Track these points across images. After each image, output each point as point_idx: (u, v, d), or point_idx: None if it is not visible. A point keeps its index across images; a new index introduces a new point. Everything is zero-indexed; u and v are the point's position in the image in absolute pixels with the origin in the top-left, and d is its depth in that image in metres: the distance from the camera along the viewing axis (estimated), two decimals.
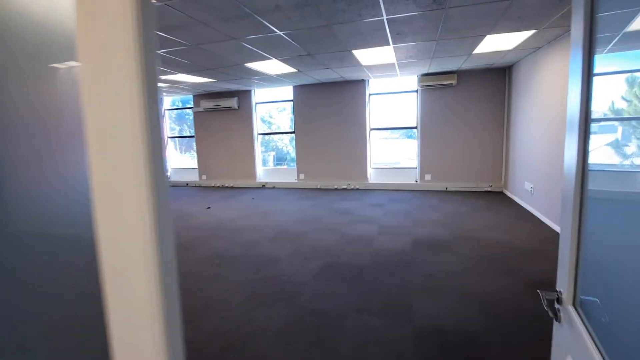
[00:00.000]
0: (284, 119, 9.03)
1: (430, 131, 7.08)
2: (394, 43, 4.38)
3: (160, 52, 4.26)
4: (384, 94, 7.58)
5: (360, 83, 7.31)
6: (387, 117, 7.94)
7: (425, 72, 6.62)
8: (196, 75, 5.86)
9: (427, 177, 7.24)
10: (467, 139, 6.87)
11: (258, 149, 8.44)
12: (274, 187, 8.21)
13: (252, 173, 8.40)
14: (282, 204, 6.45)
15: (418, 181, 7.35)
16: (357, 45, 4.39)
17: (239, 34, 3.71)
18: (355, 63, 5.49)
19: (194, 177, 9.03)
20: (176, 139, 9.70)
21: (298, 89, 7.75)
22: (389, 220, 5.09)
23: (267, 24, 3.41)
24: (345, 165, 7.68)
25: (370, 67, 5.92)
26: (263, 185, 8.34)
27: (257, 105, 8.37)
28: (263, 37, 3.87)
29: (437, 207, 5.82)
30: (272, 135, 8.92)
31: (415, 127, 7.34)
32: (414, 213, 5.46)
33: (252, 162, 8.37)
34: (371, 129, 7.64)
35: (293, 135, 8.03)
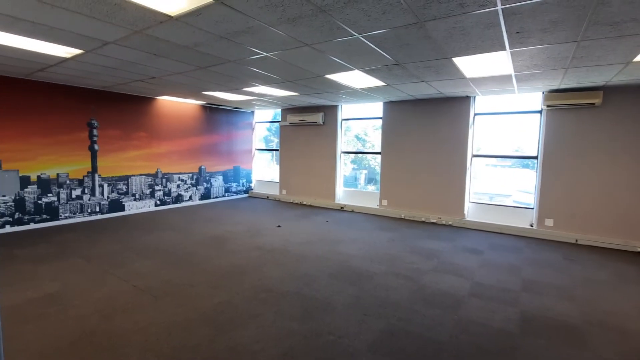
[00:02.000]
0: (379, 137, 8.40)
1: (557, 163, 5.48)
2: (511, 46, 3.32)
3: (233, 60, 4.07)
4: (494, 114, 6.26)
5: (464, 101, 6.16)
6: (496, 142, 6.55)
7: (556, 87, 5.16)
8: (275, 87, 5.65)
9: (549, 222, 5.59)
10: (613, 177, 5.07)
11: (340, 168, 7.91)
12: (352, 211, 7.52)
13: (332, 193, 7.89)
14: (356, 232, 5.72)
15: (534, 226, 5.74)
16: (458, 50, 3.47)
17: (309, 38, 3.22)
18: (457, 75, 4.51)
19: (275, 191, 8.99)
20: (265, 151, 9.88)
21: (388, 106, 7.00)
22: (486, 276, 3.88)
23: (340, 23, 2.82)
24: (437, 195, 6.54)
25: (476, 81, 4.84)
26: (341, 208, 7.73)
27: (344, 121, 7.88)
28: (339, 43, 3.31)
29: (560, 267, 4.30)
30: (365, 154, 8.38)
31: (536, 157, 5.80)
32: (524, 271, 4.10)
33: (332, 182, 7.87)
34: (473, 156, 6.36)
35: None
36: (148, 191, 6.96)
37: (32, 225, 5.34)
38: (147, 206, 6.96)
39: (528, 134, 6.04)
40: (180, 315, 2.83)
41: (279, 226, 5.99)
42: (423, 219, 6.68)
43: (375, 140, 8.55)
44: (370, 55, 3.72)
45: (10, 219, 5.13)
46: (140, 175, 6.80)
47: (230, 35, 3.17)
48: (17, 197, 5.18)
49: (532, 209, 5.86)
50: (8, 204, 5.10)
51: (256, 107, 8.63)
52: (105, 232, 5.28)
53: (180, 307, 2.96)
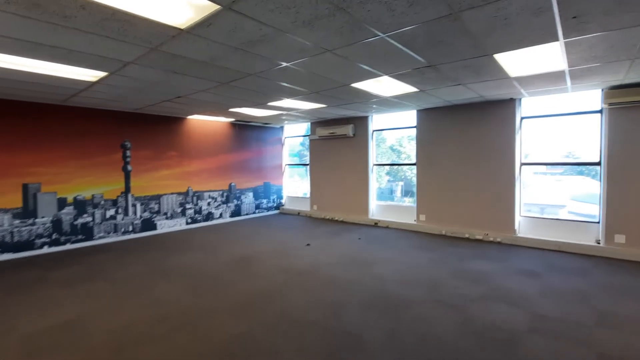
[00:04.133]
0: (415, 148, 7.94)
1: (627, 169, 4.71)
2: (566, 35, 2.84)
3: (253, 73, 3.91)
4: (544, 117, 5.59)
5: (508, 104, 5.57)
6: (546, 147, 5.85)
7: (618, 83, 4.47)
8: (301, 100, 5.44)
9: (619, 238, 4.78)
10: None
11: (373, 182, 7.50)
12: (387, 227, 7.04)
13: (364, 208, 7.47)
14: (391, 251, 5.25)
15: (601, 243, 4.94)
16: (501, 44, 3.03)
17: (329, 43, 2.95)
18: (500, 74, 4.02)
19: (306, 207, 8.72)
20: (296, 166, 9.71)
21: (422, 114, 6.54)
22: (548, 306, 3.28)
23: (361, 23, 2.53)
24: (482, 209, 5.91)
25: (523, 80, 4.30)
26: (375, 224, 7.27)
27: (375, 132, 7.50)
28: (362, 46, 3.00)
29: None
30: (399, 165, 7.93)
31: (598, 163, 5.05)
32: (596, 299, 3.43)
33: (364, 196, 7.46)
34: (522, 164, 5.69)
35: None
36: (179, 209, 6.98)
37: (68, 246, 5.48)
38: (179, 224, 6.97)
39: (584, 137, 5.31)
40: (194, 349, 2.58)
41: (308, 245, 5.68)
42: (467, 236, 6.05)
43: (411, 151, 8.06)
44: (398, 58, 3.38)
45: (48, 240, 5.29)
46: (172, 194, 6.85)
47: (245, 46, 2.99)
48: (55, 219, 5.35)
49: (598, 222, 5.06)
50: (46, 226, 5.27)
51: (285, 122, 8.53)
52: (135, 252, 5.27)
53: (196, 340, 2.72)
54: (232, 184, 8.01)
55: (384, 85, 4.54)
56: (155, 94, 4.84)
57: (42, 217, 5.22)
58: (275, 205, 9.13)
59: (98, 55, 3.16)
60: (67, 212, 5.47)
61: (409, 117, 6.87)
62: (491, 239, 5.80)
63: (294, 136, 9.31)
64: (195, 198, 7.25)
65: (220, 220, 7.77)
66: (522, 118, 5.65)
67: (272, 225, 7.49)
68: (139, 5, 2.25)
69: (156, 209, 6.59)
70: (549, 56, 3.37)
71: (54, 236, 5.33)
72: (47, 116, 5.24)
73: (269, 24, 2.55)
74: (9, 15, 2.34)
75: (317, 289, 3.75)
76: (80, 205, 5.61)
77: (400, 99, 5.49)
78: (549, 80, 4.29)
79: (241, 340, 2.70)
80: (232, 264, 4.68)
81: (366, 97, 5.31)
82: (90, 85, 4.22)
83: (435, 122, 6.38)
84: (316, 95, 5.06)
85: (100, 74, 3.77)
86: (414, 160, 6.81)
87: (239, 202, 8.16)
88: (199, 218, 7.33)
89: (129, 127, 6.16)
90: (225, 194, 7.86)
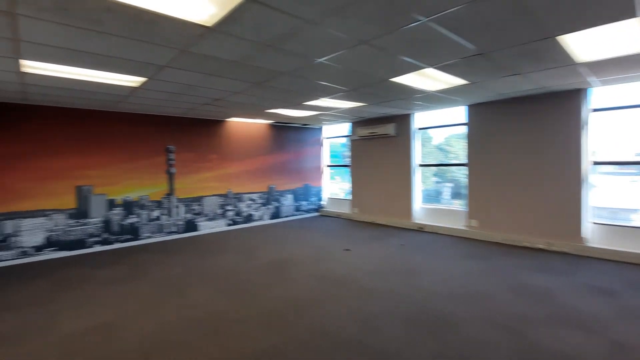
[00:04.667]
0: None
1: None
2: None
3: (286, 72, 3.74)
4: (618, 109, 4.79)
5: (573, 95, 4.87)
6: (621, 143, 5.02)
7: None
8: (338, 98, 5.20)
9: None
10: None
11: (416, 183, 7.04)
12: (434, 233, 6.55)
13: (408, 212, 7.03)
14: (437, 259, 4.82)
15: None
16: (567, 23, 2.56)
17: (364, 33, 2.68)
18: (565, 60, 3.46)
19: (346, 209, 8.45)
20: (336, 167, 9.48)
21: (473, 110, 5.98)
22: (630, 332, 2.71)
23: (398, 6, 2.23)
24: (544, 214, 5.24)
25: (593, 66, 3.68)
26: (420, 228, 6.81)
27: (419, 131, 7.04)
28: (401, 34, 2.70)
29: None
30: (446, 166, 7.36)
31: None
32: None
33: (408, 199, 7.02)
34: (594, 163, 4.94)
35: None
36: (220, 211, 7.09)
37: (117, 245, 5.76)
38: (219, 226, 7.08)
39: None
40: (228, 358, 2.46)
41: (347, 250, 5.42)
42: (526, 244, 5.40)
43: (460, 150, 7.46)
44: (443, 46, 3.02)
45: (99, 239, 5.60)
46: (213, 195, 6.97)
47: (275, 42, 2.83)
48: (105, 219, 5.65)
49: None
50: (97, 226, 5.58)
51: (325, 123, 8.34)
52: (176, 253, 5.39)
53: (223, 350, 2.60)
54: (272, 185, 7.99)
55: (427, 79, 4.16)
56: (194, 98, 4.90)
57: (94, 218, 5.54)
58: (315, 207, 8.98)
59: (134, 60, 3.20)
60: (116, 213, 5.76)
61: (458, 113, 6.33)
62: (555, 248, 5.11)
63: (334, 137, 9.09)
64: (235, 200, 7.33)
65: (260, 223, 7.78)
66: (591, 110, 4.91)
67: (311, 227, 7.34)
68: (162, 3, 2.17)
69: (198, 210, 6.75)
70: (627, 34, 2.80)
71: (103, 235, 5.64)
72: (98, 122, 5.55)
73: (296, 15, 2.35)
74: (45, 23, 2.39)
75: (354, 300, 3.49)
76: (128, 206, 5.88)
77: (448, 94, 5.03)
78: (626, 64, 3.62)
79: (269, 356, 2.53)
80: (267, 268, 4.57)
81: (408, 93, 4.94)
82: (133, 90, 4.35)
83: (489, 118, 5.79)
84: (353, 92, 4.80)
85: (140, 79, 3.85)
86: (463, 160, 6.26)
87: (278, 204, 8.13)
88: (238, 220, 7.40)
89: (172, 130, 6.36)
90: (264, 196, 7.86)
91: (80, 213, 5.41)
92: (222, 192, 7.13)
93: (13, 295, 3.79)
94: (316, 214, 9.00)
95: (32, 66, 3.32)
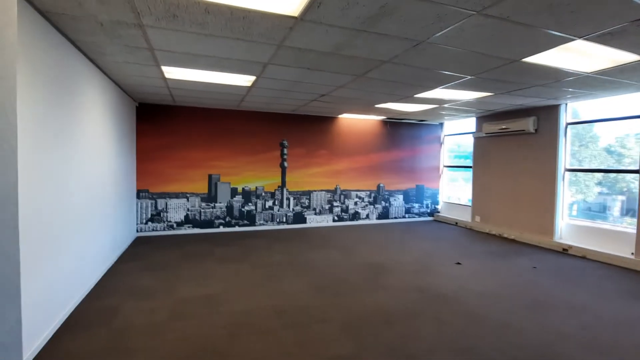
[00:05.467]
0: None
1: None
2: None
3: (386, 60, 3.39)
4: None
5: None
6: None
7: None
8: (453, 88, 4.47)
9: None
10: None
11: (564, 192, 5.56)
12: (584, 257, 5.05)
13: (549, 227, 5.62)
14: (582, 294, 3.65)
15: None
16: None
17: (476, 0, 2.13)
18: None
19: (466, 217, 7.39)
20: (457, 168, 8.42)
21: None
22: None
23: None
24: None
25: None
26: (564, 250, 5.35)
27: (570, 126, 5.52)
28: None
29: None
30: (620, 174, 5.57)
31: None
32: None
33: (549, 211, 5.61)
34: None
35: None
36: (327, 206, 7.19)
37: (237, 228, 6.50)
38: (326, 221, 7.19)
39: None
40: (294, 357, 2.38)
41: (458, 264, 4.69)
42: None
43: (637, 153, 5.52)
44: (599, 6, 2.16)
45: (223, 221, 6.43)
46: (321, 190, 7.13)
47: (366, 26, 2.55)
48: (228, 205, 6.44)
49: None
50: (222, 210, 6.41)
51: (445, 118, 7.48)
52: (283, 242, 5.70)
53: (298, 348, 2.52)
54: (381, 184, 7.65)
55: (578, 56, 3.14)
56: (301, 94, 5.03)
57: (220, 203, 6.38)
58: (429, 211, 8.20)
59: (240, 59, 3.42)
60: (237, 200, 6.50)
61: (634, 102, 4.67)
62: None
63: (456, 134, 8.05)
64: (342, 196, 7.31)
65: (367, 222, 7.56)
66: None
67: (421, 232, 6.70)
68: None
69: (306, 204, 7.01)
70: None
71: (227, 219, 6.44)
72: (225, 119, 6.36)
73: None
74: (165, 31, 2.74)
75: (454, 324, 2.93)
76: (247, 195, 6.56)
77: (613, 75, 3.73)
78: None
79: None
80: (362, 270, 4.34)
81: (550, 77, 3.87)
82: (249, 89, 4.74)
83: None
84: (474, 80, 4.04)
85: (251, 77, 4.14)
86: (636, 166, 4.60)
87: (387, 204, 7.73)
88: (345, 217, 7.36)
89: (286, 127, 6.77)
90: (372, 195, 7.60)
91: (210, 198, 6.33)
92: (331, 187, 7.22)
93: (155, 259, 4.67)
94: (429, 218, 8.20)
95: (169, 72, 3.95)
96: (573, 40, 2.76)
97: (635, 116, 4.68)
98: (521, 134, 6.01)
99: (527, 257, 5.07)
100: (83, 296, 3.35)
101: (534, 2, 2.15)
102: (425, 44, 2.92)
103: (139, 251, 5.04)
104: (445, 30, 2.63)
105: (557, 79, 3.94)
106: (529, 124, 5.71)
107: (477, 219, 7.05)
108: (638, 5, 2.13)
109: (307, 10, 2.33)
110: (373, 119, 7.48)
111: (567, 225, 5.55)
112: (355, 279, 4.04)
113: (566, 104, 5.44)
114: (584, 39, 2.72)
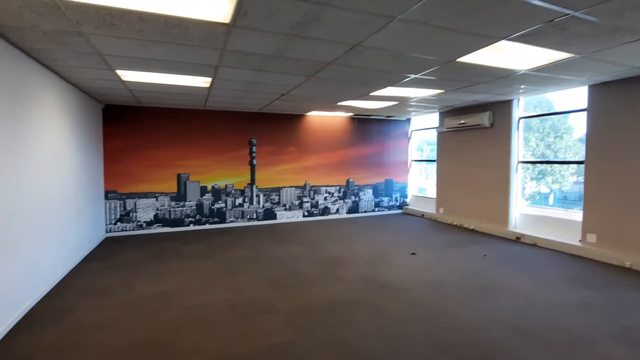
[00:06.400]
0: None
1: None
2: None
3: (330, 61, 3.52)
4: None
5: None
6: None
7: None
8: (405, 86, 4.64)
9: None
10: None
11: (517, 184, 5.83)
12: (534, 245, 5.33)
13: (504, 217, 5.90)
14: (525, 280, 3.90)
15: None
16: None
17: (389, 7, 2.28)
18: None
19: (432, 209, 7.65)
20: (424, 162, 8.66)
21: (597, 91, 4.55)
22: None
23: None
24: None
25: None
26: (517, 238, 5.64)
27: (522, 120, 5.78)
28: (438, 2, 2.19)
29: None
30: (554, 164, 5.86)
31: None
32: None
33: (504, 202, 5.88)
34: None
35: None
36: (297, 202, 7.35)
37: (207, 226, 6.61)
38: (296, 217, 7.36)
39: None
40: (234, 346, 2.53)
41: (413, 254, 4.91)
42: None
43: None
44: (506, 11, 2.34)
45: (193, 220, 6.53)
46: (290, 187, 7.28)
47: (298, 31, 2.69)
48: (198, 203, 6.54)
49: None
50: (192, 208, 6.51)
51: (413, 114, 7.68)
52: (250, 238, 5.84)
53: (240, 337, 2.67)
54: (350, 179, 7.84)
55: (510, 55, 3.34)
56: (262, 94, 5.14)
57: (190, 201, 6.48)
58: (398, 204, 8.43)
59: (190, 62, 3.52)
60: (207, 198, 6.60)
61: (580, 95, 4.93)
62: None
63: (423, 129, 8.27)
64: (312, 192, 7.48)
65: (337, 216, 7.75)
66: None
67: (387, 226, 6.92)
68: (180, 7, 2.29)
69: (276, 200, 7.16)
70: None
71: (197, 217, 6.54)
72: (193, 119, 6.44)
73: None
74: (107, 38, 2.83)
75: (391, 311, 3.13)
76: (217, 193, 6.67)
77: (551, 72, 3.96)
78: None
79: (280, 351, 2.48)
80: (322, 263, 4.52)
81: (493, 75, 4.08)
82: (209, 90, 4.83)
83: (620, 101, 4.32)
84: (420, 78, 4.23)
85: (207, 79, 4.23)
86: (581, 157, 4.86)
87: (356, 198, 7.94)
88: (315, 212, 7.54)
89: (254, 125, 6.89)
90: (342, 190, 7.79)
91: (179, 196, 6.42)
92: (300, 184, 7.37)
93: (121, 258, 4.76)
94: (398, 211, 8.44)
95: (125, 75, 4.02)
96: (497, 40, 2.94)
97: (578, 110, 4.94)
98: (478, 128, 6.25)
99: (481, 246, 5.32)
100: (41, 296, 3.44)
101: (444, 8, 2.31)
102: (361, 47, 3.08)
103: (106, 251, 5.12)
104: (374, 35, 2.78)
105: (498, 76, 4.14)
106: (484, 118, 5.96)
107: (441, 210, 7.32)
108: (541, 7, 2.32)
109: (236, 17, 2.45)
110: (341, 115, 7.64)
111: (522, 215, 5.83)
112: (311, 272, 4.21)
113: (518, 99, 5.68)
114: (508, 39, 2.91)
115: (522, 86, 4.74)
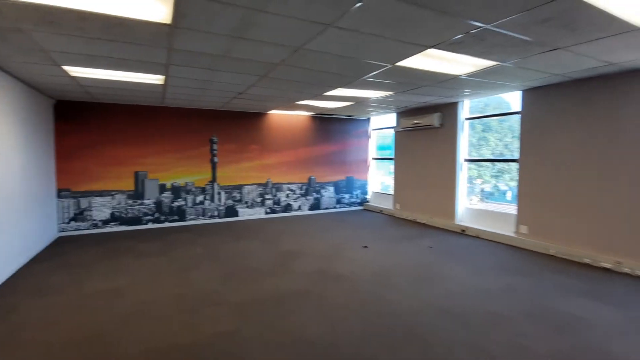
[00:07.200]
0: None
1: None
2: None
3: (275, 62, 3.68)
4: None
5: None
6: None
7: None
8: (354, 88, 4.90)
9: None
10: None
11: (462, 180, 6.26)
12: (476, 237, 5.77)
13: (451, 211, 6.32)
14: (463, 268, 4.25)
15: None
16: None
17: (321, 15, 2.46)
18: (613, 25, 2.63)
19: (390, 205, 8.01)
20: (383, 160, 9.02)
21: (530, 95, 5.00)
22: None
23: None
24: (619, 224, 4.15)
25: None
26: (462, 231, 6.06)
27: (467, 121, 6.20)
28: (361, 13, 2.40)
29: None
30: (493, 162, 6.36)
31: None
32: None
33: (451, 197, 6.30)
34: None
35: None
36: (259, 199, 7.47)
37: (166, 224, 6.58)
38: (258, 214, 7.47)
39: None
40: (179, 336, 2.64)
41: (365, 247, 5.18)
42: (587, 261, 4.37)
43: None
44: (422, 24, 2.59)
45: (152, 218, 6.48)
46: (252, 184, 7.38)
47: (240, 33, 2.82)
48: (157, 201, 6.50)
49: None
50: (151, 206, 6.46)
51: (373, 114, 7.99)
52: (209, 235, 5.89)
53: (186, 328, 2.78)
54: (312, 177, 8.05)
55: (442, 61, 3.63)
56: (219, 92, 5.21)
57: (148, 199, 6.43)
58: (359, 201, 8.75)
59: (138, 60, 3.55)
60: (166, 196, 6.57)
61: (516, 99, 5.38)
62: (626, 270, 4.01)
63: (381, 128, 8.62)
64: (274, 190, 7.62)
65: (299, 213, 7.94)
66: None
67: (346, 221, 7.19)
68: (120, 7, 2.36)
69: (238, 197, 7.23)
70: None
71: (155, 215, 6.50)
72: (150, 116, 6.38)
73: (237, 4, 2.31)
74: (50, 35, 2.83)
75: (334, 300, 3.34)
76: (176, 191, 6.65)
77: (484, 77, 4.32)
78: None
79: (223, 339, 2.61)
80: (277, 258, 4.67)
81: (432, 79, 4.40)
82: (164, 87, 4.84)
83: (549, 105, 4.78)
84: (366, 80, 4.47)
85: (160, 76, 4.26)
86: (516, 156, 5.32)
87: (318, 195, 8.16)
88: (277, 209, 7.68)
89: (216, 123, 6.92)
90: (304, 187, 7.98)
91: (137, 194, 6.35)
92: (262, 181, 7.49)
93: (72, 257, 4.68)
94: (360, 207, 8.76)
95: (74, 71, 3.97)
96: (427, 48, 3.22)
97: (513, 112, 5.39)
98: (430, 129, 6.64)
99: (429, 239, 5.68)
100: None
101: (371, 18, 2.53)
102: (304, 50, 3.26)
103: (57, 250, 5.00)
104: (314, 40, 2.96)
105: (440, 80, 4.47)
106: (434, 119, 6.34)
107: (397, 206, 7.68)
108: (456, 20, 2.59)
109: (176, 18, 2.55)
110: (303, 114, 7.81)
111: (466, 209, 6.27)
112: (265, 266, 4.35)
113: (463, 101, 6.09)
114: (436, 47, 3.19)
115: (467, 90, 5.11)
